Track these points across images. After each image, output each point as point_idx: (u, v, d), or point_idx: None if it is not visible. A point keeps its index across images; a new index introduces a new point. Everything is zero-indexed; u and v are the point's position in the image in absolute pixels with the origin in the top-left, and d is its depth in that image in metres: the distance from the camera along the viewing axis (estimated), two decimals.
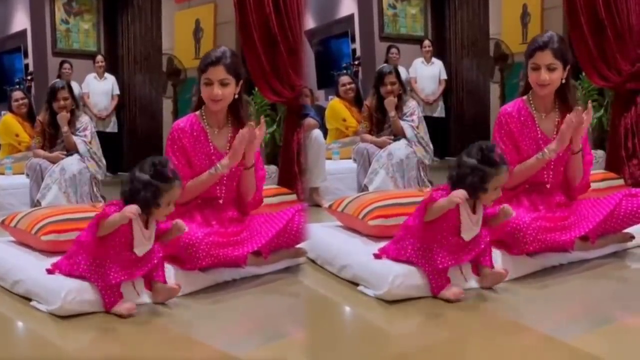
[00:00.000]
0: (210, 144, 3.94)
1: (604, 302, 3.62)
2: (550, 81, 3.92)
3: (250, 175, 4.00)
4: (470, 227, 3.63)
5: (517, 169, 3.97)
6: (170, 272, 3.71)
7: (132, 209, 3.41)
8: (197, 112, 3.98)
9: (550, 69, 3.90)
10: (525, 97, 4.05)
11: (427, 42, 8.43)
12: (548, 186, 4.04)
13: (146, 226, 3.55)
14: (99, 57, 8.44)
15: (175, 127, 3.95)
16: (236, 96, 3.94)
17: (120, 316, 3.42)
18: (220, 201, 3.99)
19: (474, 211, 3.65)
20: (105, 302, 3.46)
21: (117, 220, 3.43)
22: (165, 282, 3.62)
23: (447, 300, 3.54)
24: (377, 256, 3.80)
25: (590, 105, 3.95)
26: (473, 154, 3.60)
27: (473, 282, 3.70)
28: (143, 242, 3.53)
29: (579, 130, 3.90)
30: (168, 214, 3.58)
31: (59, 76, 7.94)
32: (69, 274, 3.56)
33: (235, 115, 3.99)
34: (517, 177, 3.98)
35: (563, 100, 4.02)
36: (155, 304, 3.58)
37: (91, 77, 8.39)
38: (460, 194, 3.51)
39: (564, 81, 3.95)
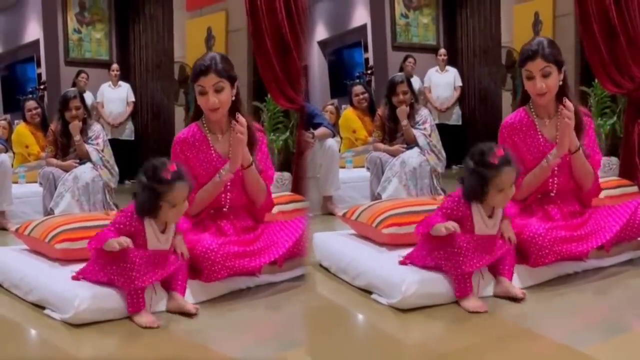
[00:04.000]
0: (213, 151, 3.88)
1: (619, 310, 3.60)
2: (548, 88, 3.84)
3: (253, 174, 3.91)
4: (484, 231, 3.63)
5: (525, 180, 3.93)
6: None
7: (122, 241, 3.43)
8: (199, 121, 3.93)
9: (545, 74, 3.83)
10: (526, 106, 4.01)
11: (442, 51, 8.45)
12: (552, 194, 4.00)
13: (163, 230, 3.59)
14: (114, 66, 8.50)
15: (176, 140, 3.90)
16: (233, 98, 3.83)
17: (139, 325, 3.42)
18: (225, 209, 3.93)
19: (491, 215, 3.65)
20: (130, 306, 3.46)
21: (111, 247, 3.45)
22: (183, 294, 3.62)
23: (466, 310, 3.52)
24: (402, 262, 3.79)
25: (565, 100, 3.82)
26: (473, 156, 3.58)
27: (487, 290, 3.69)
28: (156, 245, 3.57)
29: (567, 128, 3.82)
30: (178, 214, 3.57)
31: (74, 84, 7.99)
32: (96, 280, 3.56)
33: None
34: (525, 188, 3.95)
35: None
36: (168, 311, 3.59)
37: (105, 86, 8.43)
38: (450, 226, 3.53)
39: (561, 83, 3.88)
